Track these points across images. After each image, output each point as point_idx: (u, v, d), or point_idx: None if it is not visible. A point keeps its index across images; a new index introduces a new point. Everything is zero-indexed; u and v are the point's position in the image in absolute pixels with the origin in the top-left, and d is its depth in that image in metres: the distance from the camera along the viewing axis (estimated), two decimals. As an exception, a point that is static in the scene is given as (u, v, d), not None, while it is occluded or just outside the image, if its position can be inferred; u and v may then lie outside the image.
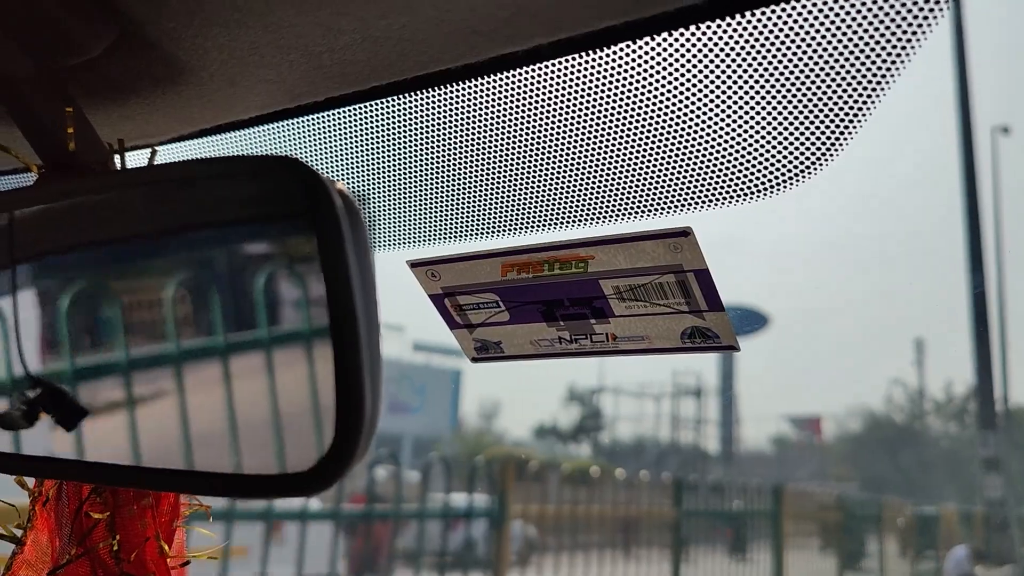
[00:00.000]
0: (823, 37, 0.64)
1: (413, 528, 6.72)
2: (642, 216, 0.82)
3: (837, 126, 0.69)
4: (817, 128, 0.69)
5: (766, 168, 0.73)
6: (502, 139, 0.79)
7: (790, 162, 0.72)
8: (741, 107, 0.71)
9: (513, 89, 0.73)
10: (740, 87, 0.70)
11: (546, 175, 0.82)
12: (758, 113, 0.70)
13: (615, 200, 0.82)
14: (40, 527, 0.77)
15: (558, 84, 0.73)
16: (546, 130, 0.78)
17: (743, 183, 0.75)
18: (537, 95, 0.74)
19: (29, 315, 0.73)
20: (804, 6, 0.63)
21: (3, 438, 0.72)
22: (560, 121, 0.77)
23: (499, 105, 0.75)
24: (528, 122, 0.78)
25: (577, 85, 0.73)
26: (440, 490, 7.09)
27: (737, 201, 0.76)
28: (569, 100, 0.75)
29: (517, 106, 0.75)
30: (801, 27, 0.64)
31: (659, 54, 0.69)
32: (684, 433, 42.66)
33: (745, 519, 10.62)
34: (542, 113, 0.77)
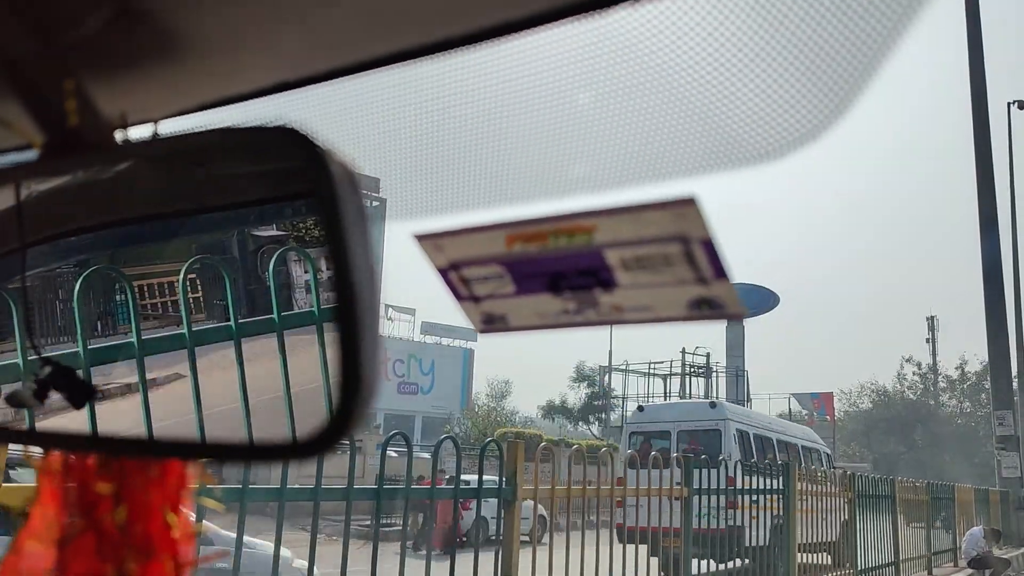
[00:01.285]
0: (825, 12, 0.64)
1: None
2: (649, 182, 0.81)
3: (839, 93, 0.68)
4: (821, 93, 0.69)
5: (771, 133, 0.72)
6: (506, 108, 0.79)
7: (794, 126, 0.71)
8: (746, 73, 0.70)
9: (515, 58, 0.73)
10: (743, 53, 0.69)
11: (553, 144, 0.82)
12: (763, 79, 0.70)
13: (622, 167, 0.81)
14: (46, 500, 0.77)
15: (561, 52, 0.72)
16: (552, 98, 0.78)
17: (748, 148, 0.74)
18: (540, 63, 0.73)
19: (38, 295, 0.74)
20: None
21: (13, 412, 0.72)
22: (566, 89, 0.77)
23: (502, 74, 0.75)
24: (531, 91, 0.77)
25: (580, 53, 0.72)
26: (450, 470, 7.12)
27: (742, 166, 0.76)
28: (572, 68, 0.74)
29: (522, 74, 0.75)
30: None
31: (661, 19, 0.68)
32: (694, 412, 42.68)
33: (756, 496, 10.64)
34: (545, 81, 0.76)
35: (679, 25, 0.69)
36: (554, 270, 0.88)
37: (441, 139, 0.85)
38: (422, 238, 0.91)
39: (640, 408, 17.26)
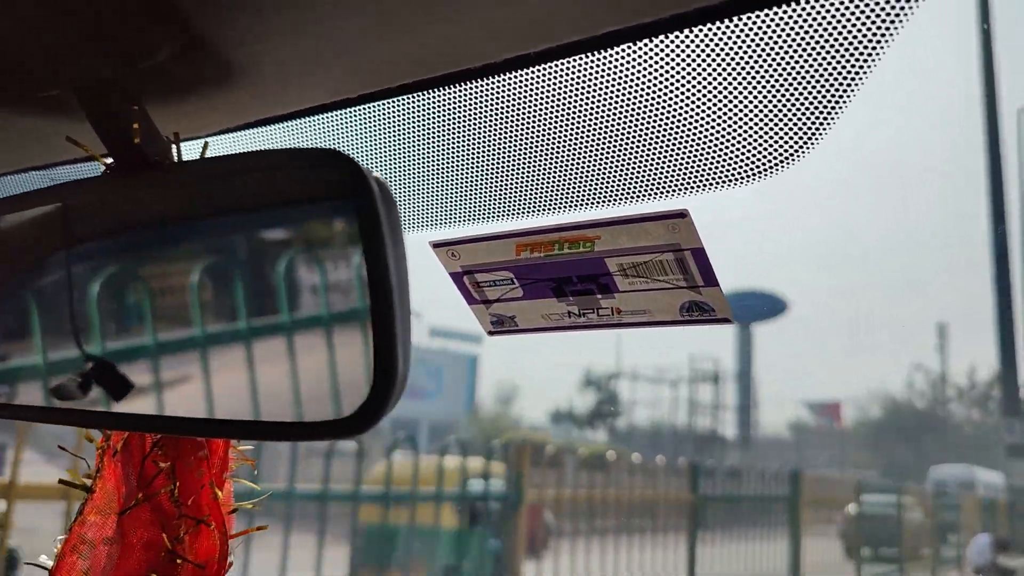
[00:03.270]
0: (804, 36, 0.73)
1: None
2: (643, 199, 0.90)
3: (818, 114, 0.77)
4: (801, 116, 0.78)
5: (756, 154, 0.81)
6: (517, 131, 0.88)
7: (777, 148, 0.80)
8: (732, 99, 0.79)
9: (527, 87, 0.82)
10: (730, 82, 0.78)
11: (557, 163, 0.91)
12: (747, 105, 0.79)
13: (619, 185, 0.91)
14: (108, 476, 0.87)
15: (567, 82, 0.81)
16: (556, 123, 0.87)
17: (735, 168, 0.83)
18: (548, 92, 0.83)
19: (89, 296, 0.83)
20: (787, 11, 0.71)
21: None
22: (569, 115, 0.86)
23: (514, 101, 0.84)
24: (540, 116, 0.86)
25: (584, 83, 0.81)
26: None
27: (729, 185, 0.85)
28: (577, 97, 0.83)
29: (530, 102, 0.84)
30: (785, 27, 0.73)
31: (656, 55, 0.77)
32: (701, 418, 42.66)
33: (762, 505, 10.67)
34: (553, 108, 0.85)
35: (671, 59, 0.78)
36: (558, 275, 0.97)
37: (457, 156, 0.94)
38: (437, 245, 1.00)
39: None
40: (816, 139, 0.80)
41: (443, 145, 0.93)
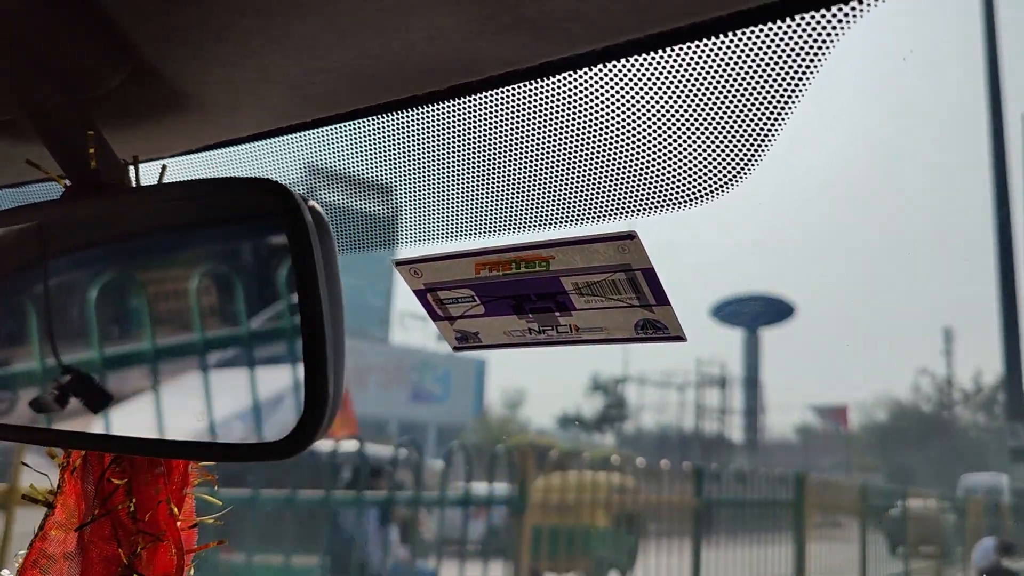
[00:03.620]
0: (739, 66, 0.74)
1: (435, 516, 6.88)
2: (595, 221, 0.92)
3: (755, 141, 0.78)
4: (739, 142, 0.79)
5: (696, 180, 0.83)
6: (469, 155, 0.90)
7: (717, 174, 0.82)
8: (673, 127, 0.81)
9: (475, 112, 0.84)
10: (672, 110, 0.80)
11: (512, 185, 0.93)
12: (686, 133, 0.80)
13: (572, 206, 0.92)
14: (68, 492, 0.89)
15: (516, 108, 0.83)
16: (511, 146, 0.89)
17: (678, 193, 0.85)
18: (498, 118, 0.84)
19: (59, 309, 0.85)
20: (722, 43, 0.73)
21: (36, 415, 0.84)
22: (523, 139, 0.88)
23: (464, 126, 0.86)
24: (495, 140, 0.88)
25: (533, 109, 0.83)
26: (462, 478, 7.21)
27: (675, 208, 0.87)
28: (529, 122, 0.85)
29: (480, 127, 0.86)
30: (722, 57, 0.74)
31: (601, 82, 0.79)
32: (708, 422, 42.62)
33: (767, 508, 10.66)
34: (507, 132, 0.87)
35: (618, 85, 0.80)
36: (517, 293, 0.99)
37: (414, 178, 0.96)
38: (400, 264, 1.02)
39: None
40: (754, 163, 0.82)
41: (399, 167, 0.95)
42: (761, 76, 0.73)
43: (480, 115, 0.84)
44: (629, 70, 0.79)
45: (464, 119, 0.85)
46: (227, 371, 0.70)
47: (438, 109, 0.84)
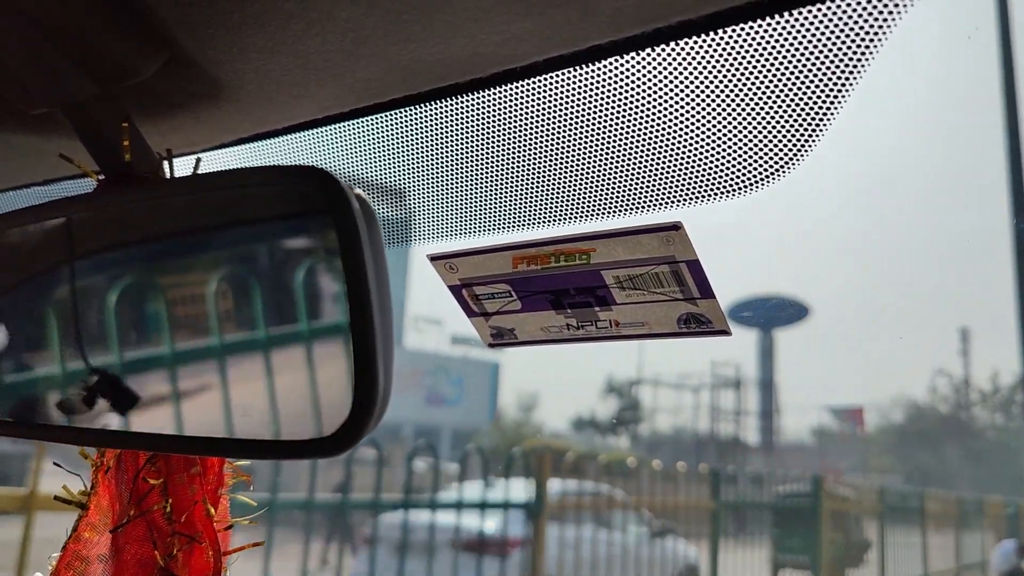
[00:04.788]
0: (792, 47, 0.72)
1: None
2: (639, 212, 0.90)
3: (807, 127, 0.76)
4: (791, 127, 0.77)
5: (747, 167, 0.80)
6: (511, 145, 0.87)
7: (767, 161, 0.79)
8: (723, 113, 0.78)
9: (516, 101, 0.81)
10: (722, 95, 0.77)
11: (552, 176, 0.90)
12: (737, 117, 0.78)
13: (613, 198, 0.90)
14: (102, 493, 0.87)
15: (559, 95, 0.81)
16: (550, 136, 0.86)
17: (727, 181, 0.82)
18: (540, 106, 0.82)
19: (88, 309, 0.83)
20: (775, 24, 0.71)
21: (77, 415, 0.82)
22: (563, 128, 0.85)
23: (506, 115, 0.84)
24: (533, 129, 0.86)
25: (577, 96, 0.81)
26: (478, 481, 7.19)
27: (722, 197, 0.84)
28: (570, 110, 0.83)
29: (523, 115, 0.84)
30: (772, 38, 0.72)
31: (649, 67, 0.77)
32: (724, 424, 42.45)
33: (783, 511, 10.61)
34: (546, 121, 0.85)
35: (661, 72, 0.77)
36: (555, 287, 0.96)
37: (452, 170, 0.94)
38: (435, 258, 1.00)
39: None
40: (807, 150, 0.79)
41: (438, 159, 0.93)
42: (817, 58, 0.71)
43: (523, 103, 0.82)
44: (678, 54, 0.76)
45: (506, 108, 0.83)
46: (274, 367, 0.68)
47: (479, 98, 0.81)
